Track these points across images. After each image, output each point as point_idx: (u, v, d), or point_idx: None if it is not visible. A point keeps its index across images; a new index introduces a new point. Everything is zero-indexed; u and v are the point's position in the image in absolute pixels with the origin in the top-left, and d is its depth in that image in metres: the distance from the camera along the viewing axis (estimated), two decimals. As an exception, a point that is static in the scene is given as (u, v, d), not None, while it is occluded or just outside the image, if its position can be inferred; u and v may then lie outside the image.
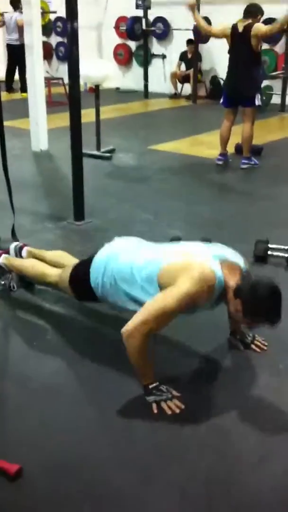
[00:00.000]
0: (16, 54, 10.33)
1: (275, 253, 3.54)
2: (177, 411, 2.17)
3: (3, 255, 3.13)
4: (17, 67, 10.56)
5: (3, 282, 3.09)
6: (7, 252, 3.22)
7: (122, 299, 2.41)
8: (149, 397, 2.20)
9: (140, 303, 2.25)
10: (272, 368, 2.49)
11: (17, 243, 3.31)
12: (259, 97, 5.59)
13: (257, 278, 2.17)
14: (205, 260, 2.21)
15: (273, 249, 3.55)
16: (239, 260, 2.34)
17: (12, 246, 3.29)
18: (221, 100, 5.83)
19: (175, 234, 3.75)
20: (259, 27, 5.30)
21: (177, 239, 3.66)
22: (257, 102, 5.57)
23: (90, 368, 2.48)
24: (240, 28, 5.36)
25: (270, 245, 3.55)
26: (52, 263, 2.98)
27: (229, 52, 5.61)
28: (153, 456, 1.98)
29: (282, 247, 3.58)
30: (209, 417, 2.17)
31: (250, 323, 2.25)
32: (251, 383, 2.39)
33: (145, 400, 2.21)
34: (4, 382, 2.40)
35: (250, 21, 5.34)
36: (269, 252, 3.53)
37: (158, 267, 2.28)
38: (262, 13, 5.52)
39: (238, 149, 6.10)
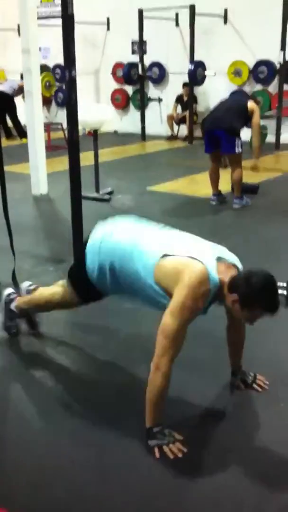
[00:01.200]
0: (6, 102, 10.69)
1: (274, 291, 3.55)
2: (180, 455, 2.15)
3: (17, 299, 3.10)
4: (6, 115, 10.94)
5: (8, 325, 3.10)
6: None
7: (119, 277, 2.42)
8: (152, 441, 2.18)
9: (136, 277, 2.31)
10: (274, 407, 2.48)
11: (29, 283, 3.27)
12: (239, 143, 5.57)
13: (251, 269, 2.21)
14: (199, 260, 2.22)
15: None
16: (236, 261, 2.38)
17: (24, 287, 3.24)
18: (204, 148, 5.91)
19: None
20: (257, 113, 5.64)
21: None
22: (237, 149, 5.57)
23: (90, 412, 2.48)
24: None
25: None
26: None
27: (218, 102, 5.91)
28: (154, 498, 1.97)
29: (281, 284, 3.59)
30: (211, 458, 2.16)
31: (249, 316, 2.21)
32: (253, 423, 2.38)
33: (147, 444, 2.19)
34: (4, 425, 2.39)
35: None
36: (268, 290, 3.54)
37: (156, 260, 2.30)
38: (258, 103, 5.91)
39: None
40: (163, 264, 2.28)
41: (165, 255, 2.30)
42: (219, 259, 2.28)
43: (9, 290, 3.18)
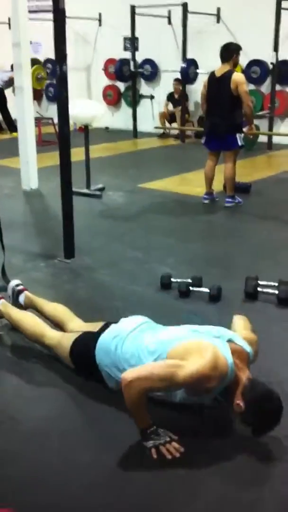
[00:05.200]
0: None
1: (265, 290, 3.55)
2: (177, 454, 2.11)
3: (1, 301, 3.07)
4: None
5: None
6: (2, 297, 3.14)
7: None
8: (147, 442, 2.14)
9: None
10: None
11: (17, 282, 3.26)
12: (241, 136, 5.66)
13: (267, 391, 2.14)
14: (218, 343, 2.20)
15: (262, 286, 3.57)
16: (243, 343, 2.32)
17: (12, 285, 3.25)
18: (203, 140, 5.93)
19: (165, 272, 3.76)
20: (242, 84, 5.42)
21: (167, 276, 3.68)
22: (239, 142, 5.64)
23: (83, 412, 2.44)
24: (218, 74, 5.55)
25: (260, 282, 3.57)
26: (51, 317, 2.94)
27: (208, 96, 5.72)
28: (151, 501, 1.94)
29: (272, 283, 3.59)
30: (208, 459, 2.13)
31: (243, 421, 2.19)
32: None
33: (143, 445, 2.15)
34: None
35: (227, 67, 5.54)
36: (259, 289, 3.54)
37: (169, 346, 2.25)
38: (238, 51, 5.65)
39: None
40: (178, 347, 2.23)
41: (177, 342, 2.27)
42: (230, 341, 2.27)
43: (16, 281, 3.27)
